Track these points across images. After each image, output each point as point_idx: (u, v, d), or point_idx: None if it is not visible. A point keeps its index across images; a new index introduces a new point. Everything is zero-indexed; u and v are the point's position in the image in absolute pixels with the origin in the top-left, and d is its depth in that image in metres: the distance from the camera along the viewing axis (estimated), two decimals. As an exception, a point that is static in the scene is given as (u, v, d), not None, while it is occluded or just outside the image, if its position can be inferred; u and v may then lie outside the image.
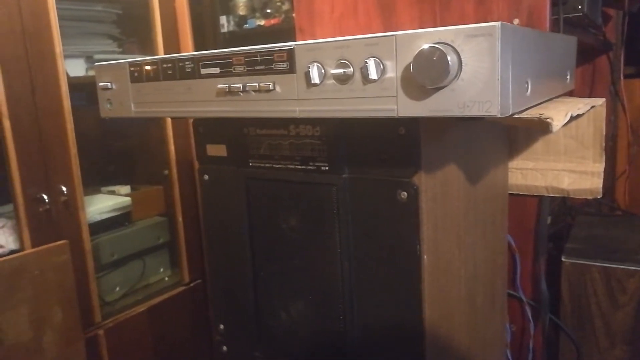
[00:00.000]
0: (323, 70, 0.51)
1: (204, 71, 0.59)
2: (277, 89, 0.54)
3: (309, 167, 0.65)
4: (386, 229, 0.61)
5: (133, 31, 1.40)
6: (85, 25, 1.30)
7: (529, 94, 0.51)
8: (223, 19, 1.59)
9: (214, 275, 0.80)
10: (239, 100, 0.56)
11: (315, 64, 0.51)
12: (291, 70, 0.53)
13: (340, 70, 0.49)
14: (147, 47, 1.37)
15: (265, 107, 0.55)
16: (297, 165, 0.66)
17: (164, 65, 0.61)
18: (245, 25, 1.58)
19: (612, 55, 1.21)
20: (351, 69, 0.49)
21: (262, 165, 0.69)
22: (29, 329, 1.10)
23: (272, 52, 0.53)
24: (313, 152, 0.64)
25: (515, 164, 0.83)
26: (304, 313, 0.70)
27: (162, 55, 0.62)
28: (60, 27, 1.14)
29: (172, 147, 1.42)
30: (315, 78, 0.51)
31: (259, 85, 0.54)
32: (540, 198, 0.83)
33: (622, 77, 1.20)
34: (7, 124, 1.07)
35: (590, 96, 1.23)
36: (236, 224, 0.74)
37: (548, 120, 0.48)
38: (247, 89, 0.55)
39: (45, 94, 1.13)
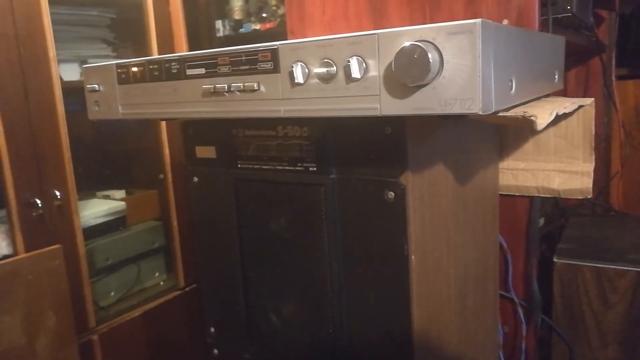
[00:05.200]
0: (307, 70, 0.51)
1: (189, 72, 0.59)
2: (262, 88, 0.54)
3: (297, 168, 0.65)
4: (374, 228, 0.60)
5: (127, 36, 1.40)
6: (79, 29, 1.30)
7: (514, 92, 0.51)
8: (219, 23, 1.59)
9: (205, 277, 0.80)
10: (225, 101, 0.56)
11: (299, 63, 0.51)
12: (275, 69, 0.53)
13: (324, 70, 0.49)
14: (142, 51, 1.37)
15: (251, 107, 0.55)
16: (286, 166, 0.65)
17: (151, 67, 0.61)
18: (241, 30, 1.58)
19: (605, 57, 1.21)
20: (334, 68, 0.49)
21: (251, 166, 0.69)
22: (22, 333, 1.10)
23: (256, 51, 0.53)
24: (301, 152, 0.64)
25: (506, 164, 0.83)
26: (293, 314, 0.70)
27: (148, 57, 0.62)
28: (54, 31, 1.14)
29: (166, 151, 1.42)
30: (299, 77, 0.51)
31: (243, 85, 0.54)
32: (532, 198, 0.83)
33: (613, 79, 1.20)
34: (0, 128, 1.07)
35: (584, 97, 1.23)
36: (226, 225, 0.74)
37: (532, 118, 0.48)
38: (232, 89, 0.55)
39: (38, 99, 1.13)
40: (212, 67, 0.57)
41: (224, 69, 0.56)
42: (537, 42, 0.64)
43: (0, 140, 1.08)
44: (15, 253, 1.12)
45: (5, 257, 1.11)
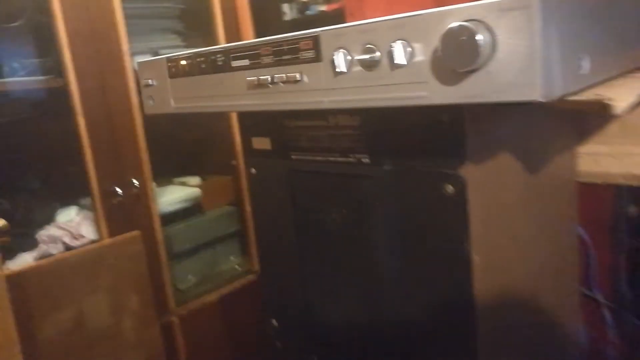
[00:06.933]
0: (349, 57, 0.47)
1: (234, 63, 0.57)
2: (305, 79, 0.51)
3: (349, 159, 0.62)
4: (432, 224, 0.56)
5: (196, 25, 1.42)
6: (151, 22, 1.34)
7: (586, 71, 0.44)
8: (285, 7, 1.58)
9: (265, 269, 0.80)
10: (268, 93, 0.54)
11: (341, 50, 0.47)
12: (317, 58, 0.50)
13: (367, 56, 0.46)
14: (210, 40, 1.38)
15: (294, 99, 0.52)
16: (337, 157, 0.63)
17: (198, 59, 0.61)
18: (307, 12, 1.56)
19: None
20: (378, 53, 0.45)
21: (304, 157, 0.67)
22: (109, 314, 1.17)
23: (297, 40, 0.51)
24: (352, 143, 0.61)
25: (586, 148, 0.74)
26: (349, 309, 0.67)
27: (196, 49, 0.62)
28: (127, 25, 1.18)
29: (237, 138, 1.44)
30: (342, 65, 0.47)
31: (286, 76, 0.52)
32: (617, 187, 0.74)
33: None
34: (81, 121, 1.13)
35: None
36: (283, 217, 0.72)
37: (608, 102, 0.42)
38: (275, 80, 0.53)
39: (114, 91, 1.18)
40: (255, 58, 0.55)
41: (267, 60, 0.54)
42: (619, 5, 0.55)
43: (83, 133, 1.14)
44: (100, 238, 1.19)
45: (92, 242, 1.18)
